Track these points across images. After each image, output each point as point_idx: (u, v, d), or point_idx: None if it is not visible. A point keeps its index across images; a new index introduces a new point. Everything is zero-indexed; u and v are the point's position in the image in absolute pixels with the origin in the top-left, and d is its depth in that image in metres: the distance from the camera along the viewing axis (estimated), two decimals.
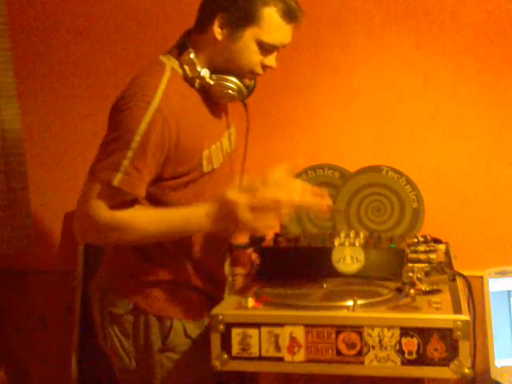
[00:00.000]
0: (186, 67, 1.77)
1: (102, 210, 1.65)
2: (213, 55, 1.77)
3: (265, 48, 1.76)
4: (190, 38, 1.80)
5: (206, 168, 1.79)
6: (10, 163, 2.72)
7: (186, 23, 2.60)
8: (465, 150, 2.56)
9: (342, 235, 2.03)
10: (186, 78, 1.77)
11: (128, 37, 2.70)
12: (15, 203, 2.74)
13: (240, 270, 2.42)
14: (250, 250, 2.38)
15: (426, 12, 2.53)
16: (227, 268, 2.09)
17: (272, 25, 1.73)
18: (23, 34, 2.76)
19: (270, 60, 1.80)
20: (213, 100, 1.81)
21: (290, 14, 1.74)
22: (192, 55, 1.76)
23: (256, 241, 2.30)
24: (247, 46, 1.75)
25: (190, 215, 1.70)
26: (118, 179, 1.63)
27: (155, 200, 1.74)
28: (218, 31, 1.74)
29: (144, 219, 1.69)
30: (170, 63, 1.77)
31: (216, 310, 1.64)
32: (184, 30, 1.86)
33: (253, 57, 1.77)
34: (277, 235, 2.30)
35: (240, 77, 1.79)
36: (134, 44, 2.70)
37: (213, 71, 1.77)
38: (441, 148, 2.57)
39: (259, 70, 1.81)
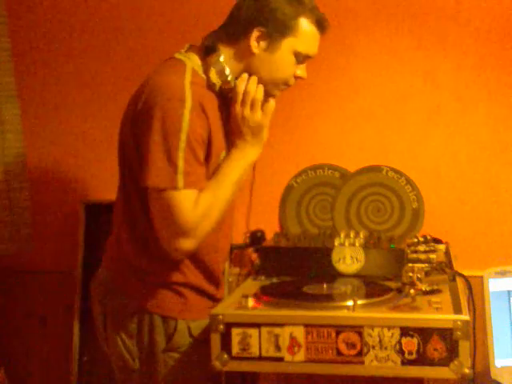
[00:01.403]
0: (213, 69, 1.77)
1: (189, 211, 1.67)
2: (246, 67, 1.79)
3: (299, 58, 1.80)
4: (219, 42, 1.80)
5: None
6: (10, 163, 2.72)
7: (187, 25, 2.60)
8: (465, 150, 2.56)
9: (342, 235, 2.03)
10: (207, 80, 1.78)
11: (128, 36, 2.70)
12: (15, 203, 2.74)
13: (240, 270, 2.42)
14: (249, 250, 2.39)
15: (426, 12, 2.53)
16: (227, 268, 2.09)
17: (308, 35, 1.78)
18: (23, 34, 2.76)
19: (302, 70, 1.85)
20: (227, 105, 1.82)
21: (322, 24, 1.80)
22: (222, 58, 1.77)
23: (256, 241, 2.31)
24: (284, 56, 1.78)
25: (232, 159, 1.79)
26: (181, 182, 1.65)
27: None
28: (254, 45, 1.76)
29: (218, 193, 1.73)
30: (191, 64, 1.77)
31: (216, 310, 1.64)
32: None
33: (290, 68, 1.81)
34: (277, 235, 2.30)
35: (273, 88, 1.83)
36: (135, 44, 2.70)
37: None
38: (441, 148, 2.57)
39: (292, 81, 1.86)
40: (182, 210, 1.65)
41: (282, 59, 1.78)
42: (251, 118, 1.77)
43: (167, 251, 1.70)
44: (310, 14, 1.77)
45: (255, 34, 1.75)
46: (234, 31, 1.79)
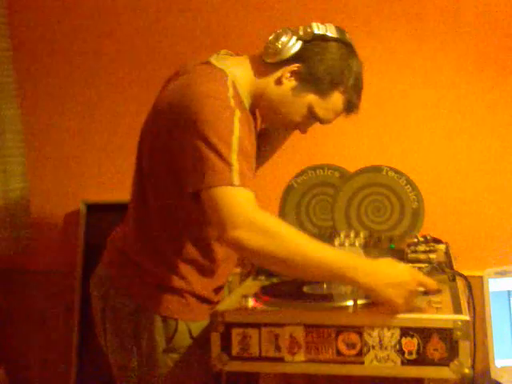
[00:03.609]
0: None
1: (243, 204, 1.56)
2: (260, 90, 1.77)
3: (309, 116, 1.78)
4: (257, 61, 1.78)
5: None
6: (10, 163, 2.72)
7: (188, 25, 2.60)
8: (465, 150, 2.56)
9: (342, 235, 2.03)
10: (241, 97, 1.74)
11: (128, 37, 2.70)
12: (15, 203, 2.74)
13: (240, 270, 2.42)
14: None
15: (426, 12, 2.53)
16: None
17: (332, 106, 1.76)
18: (23, 33, 2.76)
19: (304, 127, 1.84)
20: (255, 121, 1.82)
21: (349, 109, 1.78)
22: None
23: None
24: (299, 105, 1.76)
25: (348, 256, 1.60)
26: (237, 180, 1.56)
27: (173, 215, 1.73)
28: (286, 75, 1.74)
29: (300, 236, 1.57)
30: (232, 76, 1.73)
31: (216, 310, 1.64)
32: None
33: (294, 116, 1.78)
34: None
35: (272, 123, 1.84)
36: (136, 44, 2.70)
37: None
38: (441, 148, 2.57)
39: (288, 128, 1.86)
40: (237, 203, 1.55)
41: (295, 105, 1.76)
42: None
43: (227, 245, 1.61)
44: (346, 92, 1.75)
45: (293, 67, 1.73)
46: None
